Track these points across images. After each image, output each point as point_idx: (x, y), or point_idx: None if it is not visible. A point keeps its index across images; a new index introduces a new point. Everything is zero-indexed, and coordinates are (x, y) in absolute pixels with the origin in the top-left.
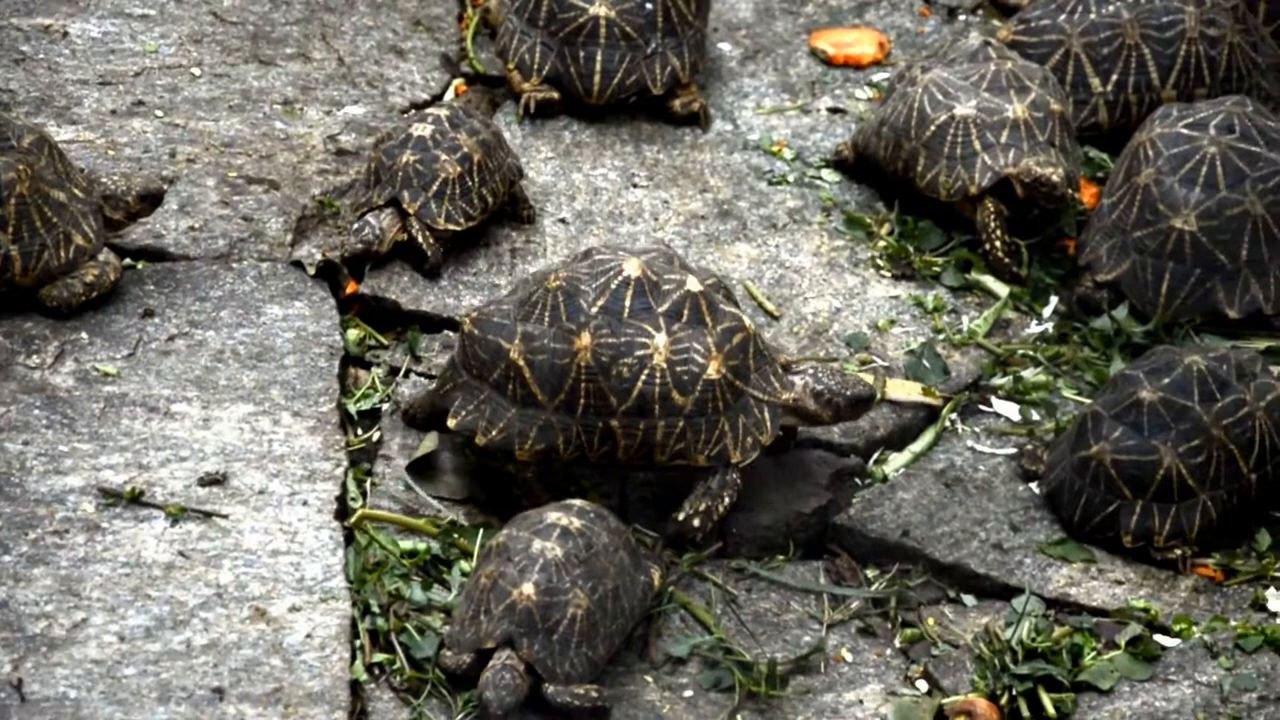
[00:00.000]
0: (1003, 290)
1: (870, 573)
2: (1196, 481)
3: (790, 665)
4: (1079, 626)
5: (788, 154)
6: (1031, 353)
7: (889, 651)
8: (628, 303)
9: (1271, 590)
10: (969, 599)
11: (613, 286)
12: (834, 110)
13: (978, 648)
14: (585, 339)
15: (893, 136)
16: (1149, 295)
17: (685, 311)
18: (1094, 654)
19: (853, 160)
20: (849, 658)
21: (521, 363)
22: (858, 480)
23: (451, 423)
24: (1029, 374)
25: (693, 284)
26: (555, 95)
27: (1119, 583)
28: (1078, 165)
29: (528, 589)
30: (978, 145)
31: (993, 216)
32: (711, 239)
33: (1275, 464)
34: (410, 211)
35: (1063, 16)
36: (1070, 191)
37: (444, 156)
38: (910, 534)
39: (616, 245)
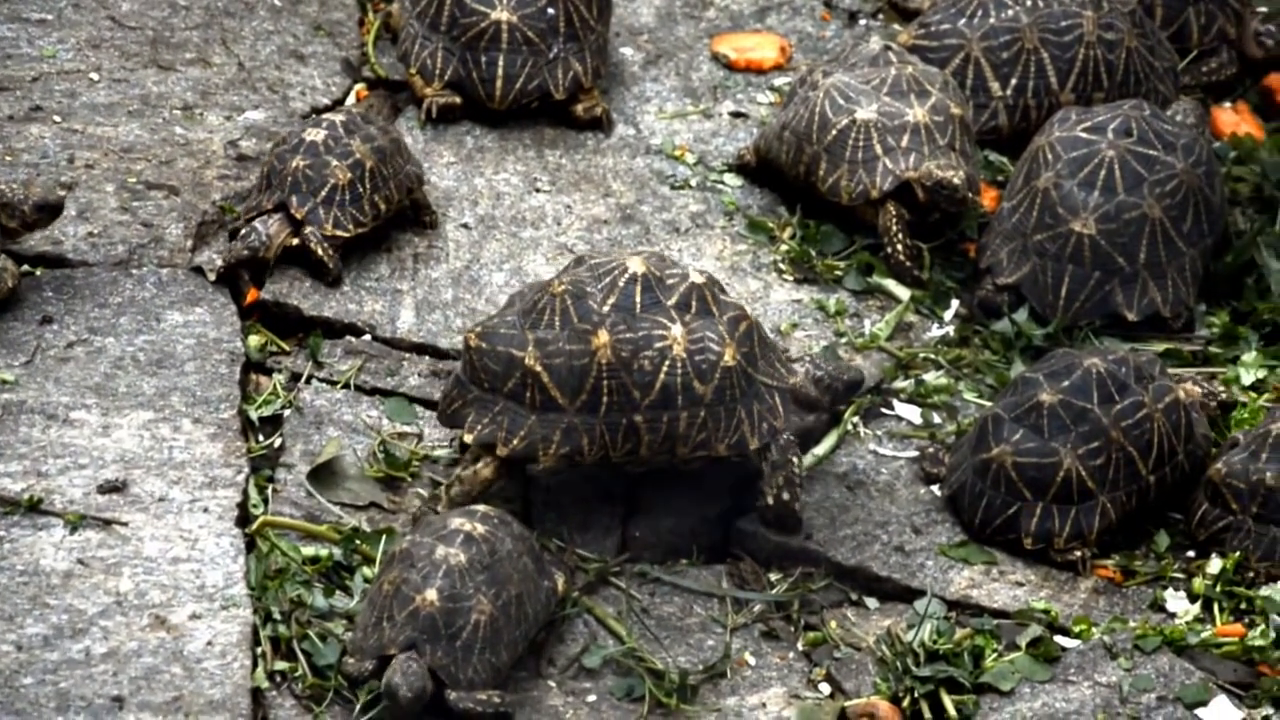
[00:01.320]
0: (904, 294)
1: (773, 576)
2: (1096, 483)
3: (702, 675)
4: (980, 628)
5: (690, 158)
6: (933, 356)
7: (792, 655)
8: (638, 298)
9: (1170, 591)
10: (871, 602)
11: (620, 284)
12: (736, 114)
13: (880, 650)
14: (603, 336)
15: (795, 141)
16: (1049, 298)
17: (693, 303)
18: (995, 655)
19: (755, 164)
20: (752, 661)
21: (539, 368)
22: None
23: (468, 437)
24: (930, 377)
25: (695, 276)
26: (457, 100)
27: (1020, 584)
28: (978, 169)
29: (431, 595)
30: (879, 149)
31: (894, 220)
32: (614, 243)
33: (1173, 466)
34: (298, 216)
35: (962, 21)
36: (971, 195)
37: (335, 162)
38: (813, 537)
39: (607, 250)
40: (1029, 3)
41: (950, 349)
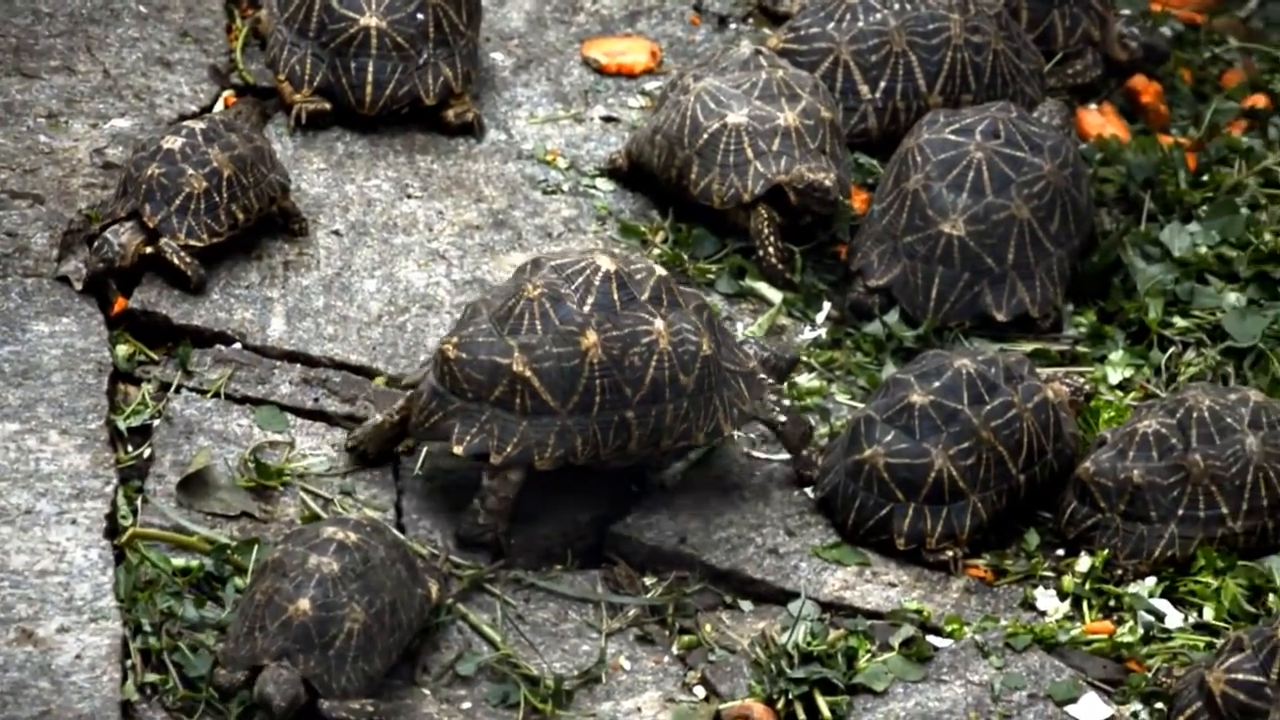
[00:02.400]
0: (776, 296)
1: (648, 580)
2: (967, 483)
3: (577, 681)
4: (854, 629)
5: (562, 163)
6: (805, 358)
7: (667, 659)
8: (615, 296)
9: (1040, 589)
10: (746, 604)
11: (596, 283)
12: (607, 119)
13: (754, 653)
14: (592, 336)
15: (666, 145)
16: (919, 300)
17: (664, 296)
18: (868, 656)
19: (627, 169)
20: (627, 666)
21: (529, 373)
22: (635, 488)
23: (458, 449)
24: (803, 380)
25: (659, 269)
26: (327, 106)
27: (892, 585)
28: (848, 172)
29: (304, 604)
30: (750, 153)
31: (766, 223)
32: (487, 249)
33: (1043, 465)
34: (150, 225)
35: (831, 25)
36: (842, 197)
37: (191, 171)
38: (687, 541)
39: (559, 252)
40: (896, 6)
41: (822, 351)
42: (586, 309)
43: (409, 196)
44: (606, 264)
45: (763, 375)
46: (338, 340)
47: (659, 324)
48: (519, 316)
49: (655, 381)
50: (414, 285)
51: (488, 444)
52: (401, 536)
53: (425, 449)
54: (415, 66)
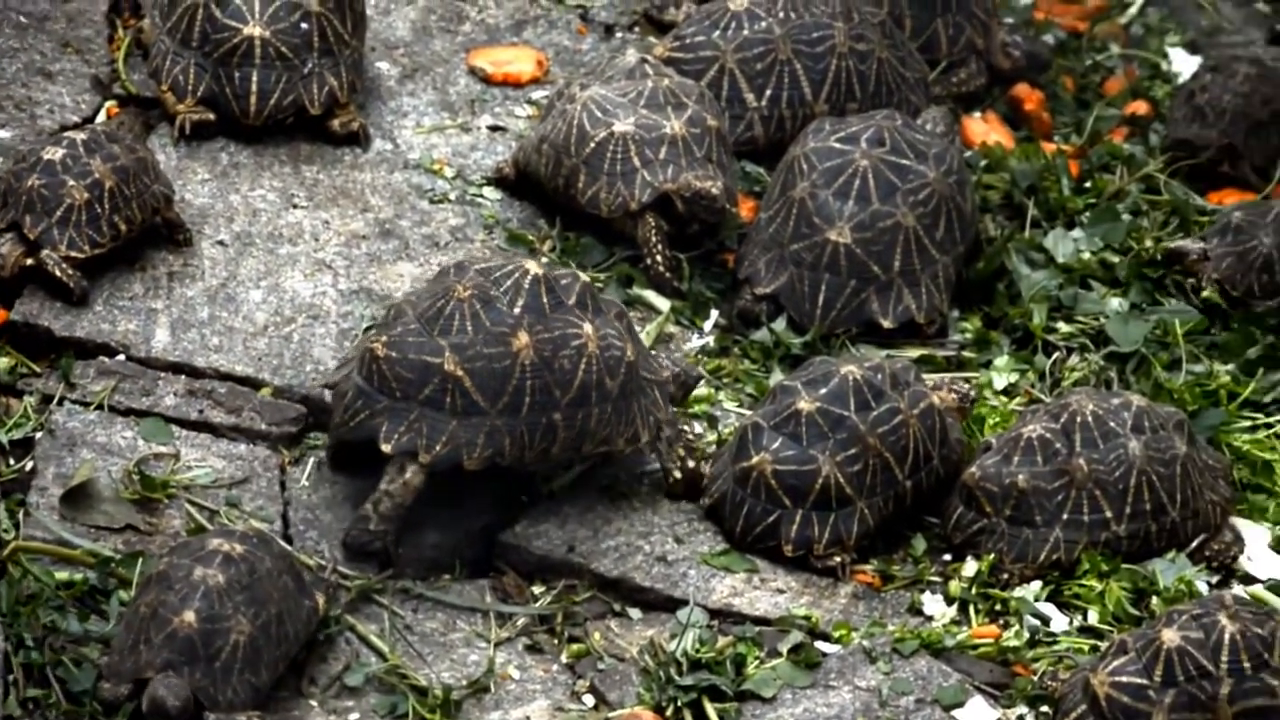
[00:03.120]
0: (664, 304)
1: (536, 589)
2: (854, 490)
3: (466, 691)
4: (742, 636)
5: (449, 172)
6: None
7: (555, 667)
8: (544, 300)
9: (927, 594)
10: (634, 612)
11: (525, 286)
12: (494, 128)
13: (643, 660)
14: (524, 338)
15: (553, 154)
16: (806, 307)
17: (589, 301)
18: (757, 663)
19: (514, 178)
20: (516, 675)
21: (460, 373)
22: (524, 497)
23: (386, 447)
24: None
25: (582, 275)
26: (211, 116)
27: (781, 591)
28: (735, 180)
29: (189, 616)
30: (637, 162)
31: (653, 232)
32: (374, 259)
33: (929, 471)
34: (31, 237)
35: (716, 33)
36: (729, 205)
37: (72, 182)
38: (576, 549)
39: (483, 256)
40: (781, 15)
41: (710, 359)
42: (517, 311)
43: (294, 206)
44: (534, 268)
45: (674, 388)
46: (223, 351)
47: (588, 328)
48: (449, 317)
49: (583, 385)
50: (300, 295)
51: (416, 442)
52: (289, 548)
53: (312, 460)
54: (300, 76)
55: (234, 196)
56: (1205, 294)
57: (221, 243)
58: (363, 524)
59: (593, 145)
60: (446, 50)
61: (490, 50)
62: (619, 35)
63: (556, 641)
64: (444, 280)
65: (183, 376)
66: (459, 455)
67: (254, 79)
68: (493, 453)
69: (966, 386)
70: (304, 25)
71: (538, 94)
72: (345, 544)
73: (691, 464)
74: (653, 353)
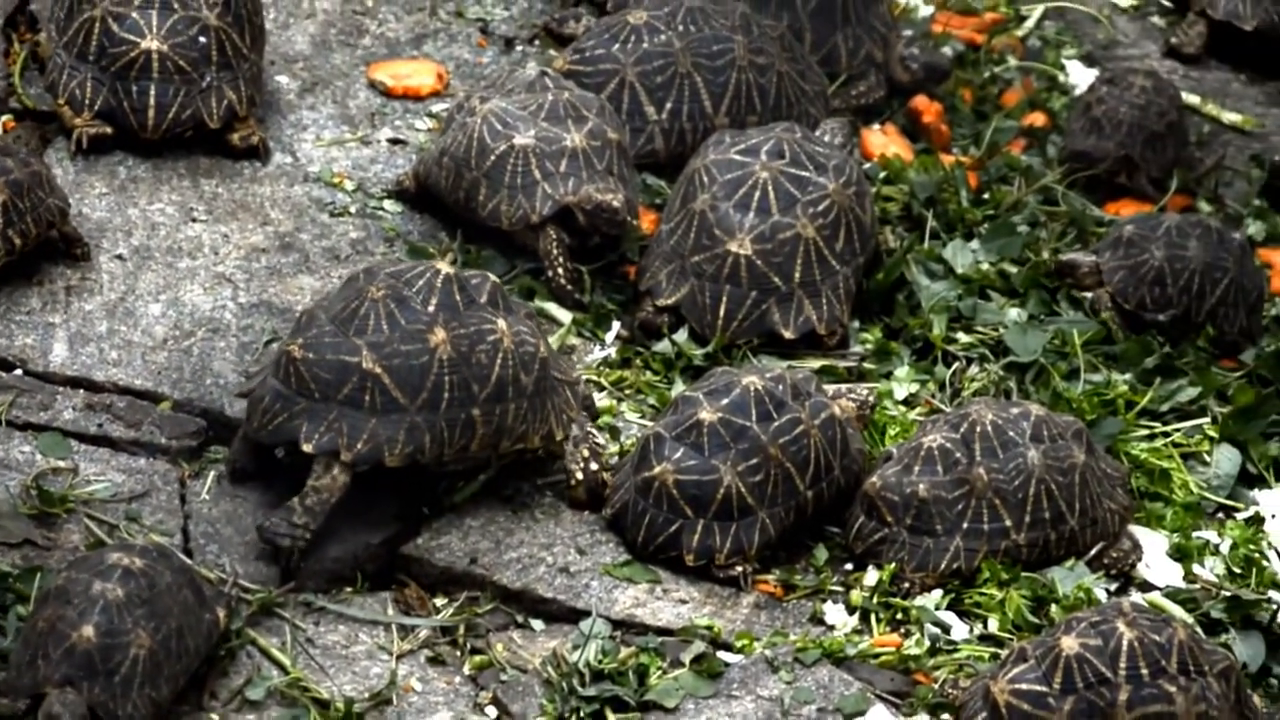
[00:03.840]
0: (566, 317)
1: (439, 601)
2: (755, 499)
3: (368, 703)
4: (645, 646)
5: (349, 185)
6: (595, 378)
7: (458, 679)
8: (457, 298)
9: (829, 604)
10: (537, 623)
11: (438, 285)
12: (394, 141)
13: (546, 672)
14: (440, 334)
15: (454, 167)
16: (708, 318)
17: (500, 300)
18: (660, 673)
19: (414, 191)
20: (418, 687)
21: (378, 370)
22: (425, 509)
23: (308, 447)
24: (593, 399)
25: (492, 276)
26: (108, 130)
27: (683, 602)
28: (636, 192)
29: (88, 631)
30: (538, 174)
31: (555, 244)
32: (274, 272)
33: (830, 480)
34: None
35: (616, 46)
36: (630, 218)
37: None
38: (478, 561)
39: (389, 263)
40: (681, 28)
41: (612, 370)
42: (431, 309)
43: (194, 220)
44: (445, 268)
45: (580, 386)
46: (122, 365)
47: (502, 324)
48: (364, 317)
49: (500, 380)
50: (199, 309)
51: (337, 441)
52: (189, 562)
53: (213, 473)
54: (198, 90)
55: (132, 210)
56: (1103, 316)
57: (120, 257)
58: (285, 515)
59: (493, 158)
60: (346, 64)
61: (390, 63)
62: (519, 48)
63: (459, 653)
64: (354, 284)
65: (81, 391)
66: (380, 453)
67: (152, 93)
68: (413, 449)
69: (865, 393)
70: (202, 39)
71: (438, 107)
72: (260, 532)
73: (595, 467)
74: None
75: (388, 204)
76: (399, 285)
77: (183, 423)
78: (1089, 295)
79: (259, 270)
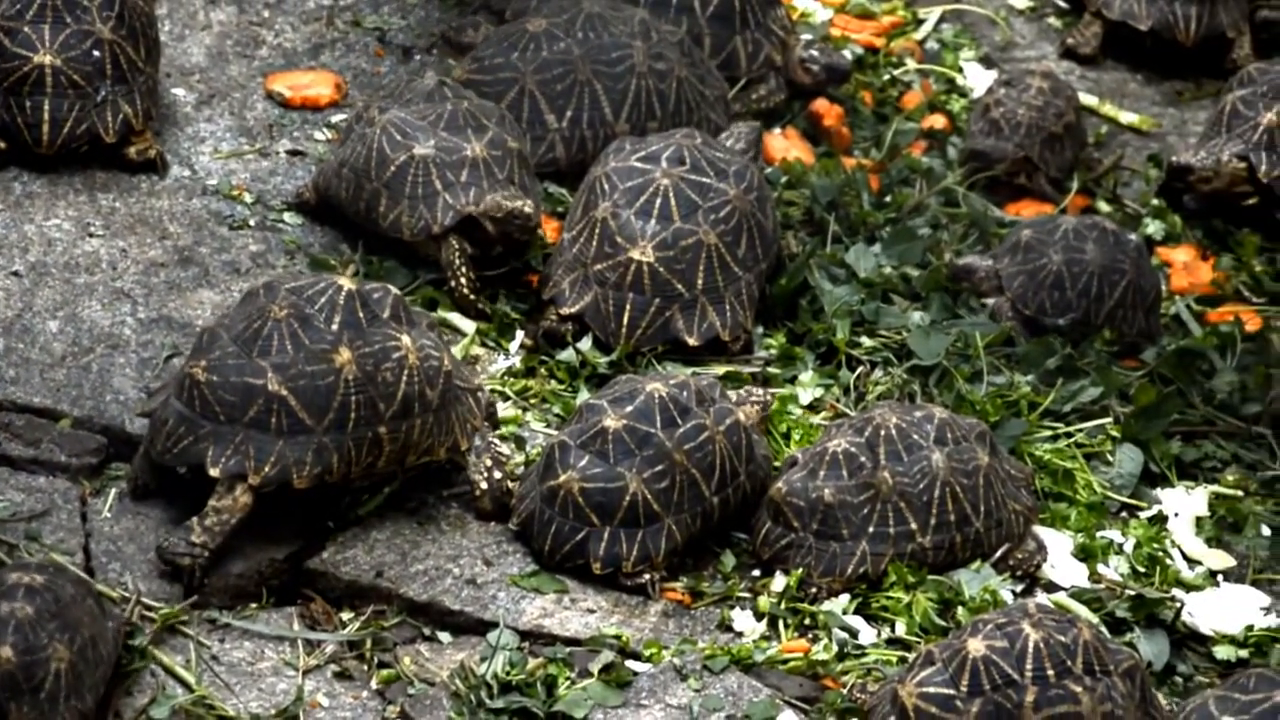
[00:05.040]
0: (469, 327)
1: (345, 615)
2: (661, 506)
3: None
4: (553, 657)
5: (248, 198)
6: (500, 388)
7: (365, 694)
8: (360, 314)
9: (737, 610)
10: (445, 636)
11: (340, 302)
12: (293, 153)
13: (454, 684)
14: (345, 353)
15: (354, 178)
16: (611, 326)
17: (402, 314)
18: (568, 684)
19: (314, 202)
20: (326, 703)
21: (284, 392)
22: (330, 523)
23: (214, 471)
24: (498, 409)
25: (393, 289)
26: (2, 145)
27: (591, 611)
28: (539, 201)
29: (6, 652)
30: (438, 184)
31: (457, 254)
32: (173, 286)
33: (736, 486)
34: None
35: (515, 54)
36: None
37: None
38: (384, 574)
39: (291, 276)
40: (580, 35)
41: (517, 380)
42: (335, 327)
43: (91, 235)
44: (347, 284)
45: (483, 394)
46: (20, 383)
47: (406, 340)
48: (268, 337)
49: (406, 396)
50: (98, 325)
51: (244, 464)
52: (83, 575)
53: (114, 491)
54: (93, 104)
55: (28, 226)
56: (1005, 326)
57: (16, 273)
58: (184, 534)
59: (393, 169)
60: (243, 75)
61: (288, 75)
62: (417, 58)
63: (366, 667)
64: (255, 301)
65: None
66: (288, 474)
67: (46, 108)
68: (321, 470)
69: (762, 393)
70: (96, 53)
71: (337, 117)
72: (159, 551)
73: (499, 476)
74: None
75: (288, 216)
76: (301, 303)
77: (83, 440)
78: (989, 301)
79: (158, 285)
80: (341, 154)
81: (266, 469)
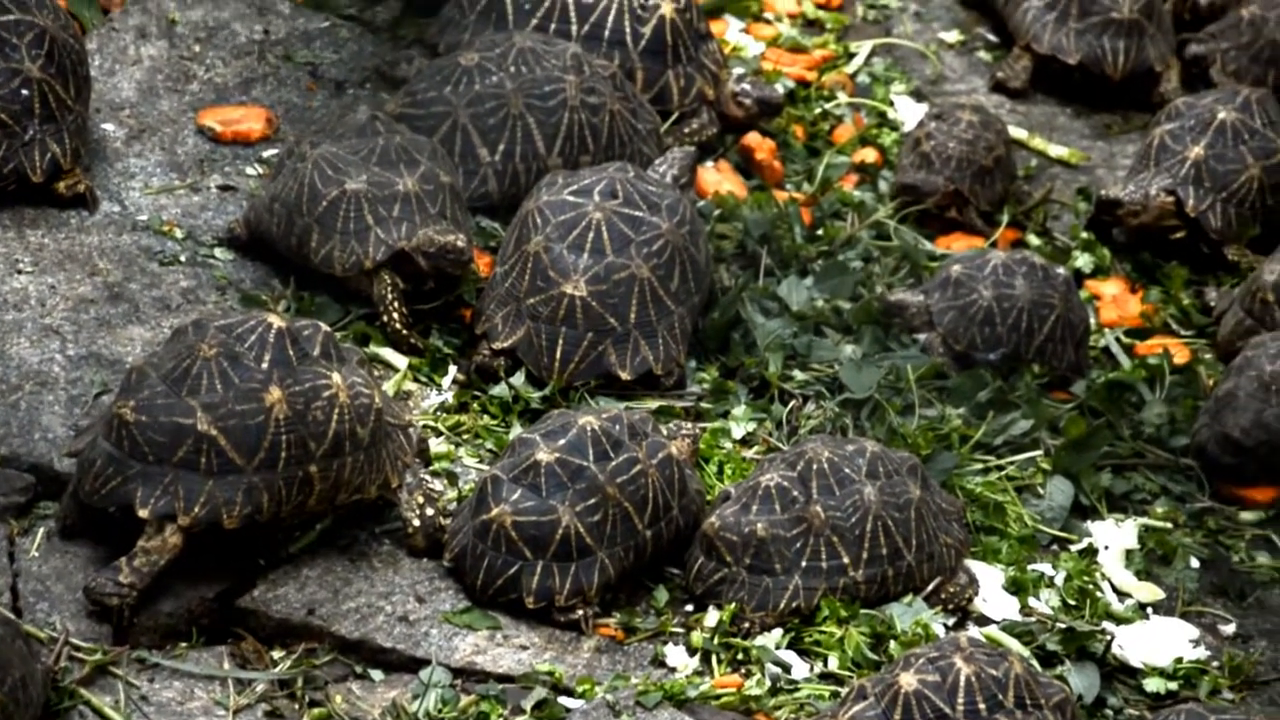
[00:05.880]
0: (401, 362)
1: (276, 654)
2: (594, 539)
3: None
4: (486, 694)
5: (179, 233)
6: (433, 423)
7: None
8: (290, 352)
9: (670, 646)
10: (376, 674)
11: (270, 340)
12: (224, 188)
13: None
14: (276, 392)
15: (285, 213)
16: (544, 361)
17: (333, 351)
18: None
19: (246, 238)
20: None
21: (214, 432)
22: (261, 560)
23: (144, 512)
24: (431, 444)
25: (323, 325)
26: None
27: (524, 647)
28: (471, 235)
29: None
30: (370, 220)
31: (389, 289)
32: (103, 323)
33: (669, 521)
34: None
35: (448, 88)
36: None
37: None
38: (316, 612)
39: (215, 314)
40: (513, 69)
41: (449, 415)
42: (265, 366)
43: (19, 272)
44: (276, 321)
45: (414, 430)
46: None
47: (336, 378)
48: (197, 376)
49: (337, 435)
50: (26, 362)
51: (174, 505)
52: (10, 615)
53: (42, 530)
54: (21, 144)
55: None
56: (936, 361)
57: None
58: (111, 574)
59: (325, 204)
60: (174, 110)
61: (219, 110)
62: (350, 92)
63: (297, 706)
64: (184, 340)
65: None
66: (218, 515)
67: None
68: (251, 510)
69: (691, 427)
70: (24, 91)
71: (268, 152)
72: (87, 591)
73: (431, 513)
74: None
75: (219, 251)
76: (231, 341)
77: (10, 479)
78: (920, 336)
79: (87, 321)
80: (273, 189)
81: (196, 510)
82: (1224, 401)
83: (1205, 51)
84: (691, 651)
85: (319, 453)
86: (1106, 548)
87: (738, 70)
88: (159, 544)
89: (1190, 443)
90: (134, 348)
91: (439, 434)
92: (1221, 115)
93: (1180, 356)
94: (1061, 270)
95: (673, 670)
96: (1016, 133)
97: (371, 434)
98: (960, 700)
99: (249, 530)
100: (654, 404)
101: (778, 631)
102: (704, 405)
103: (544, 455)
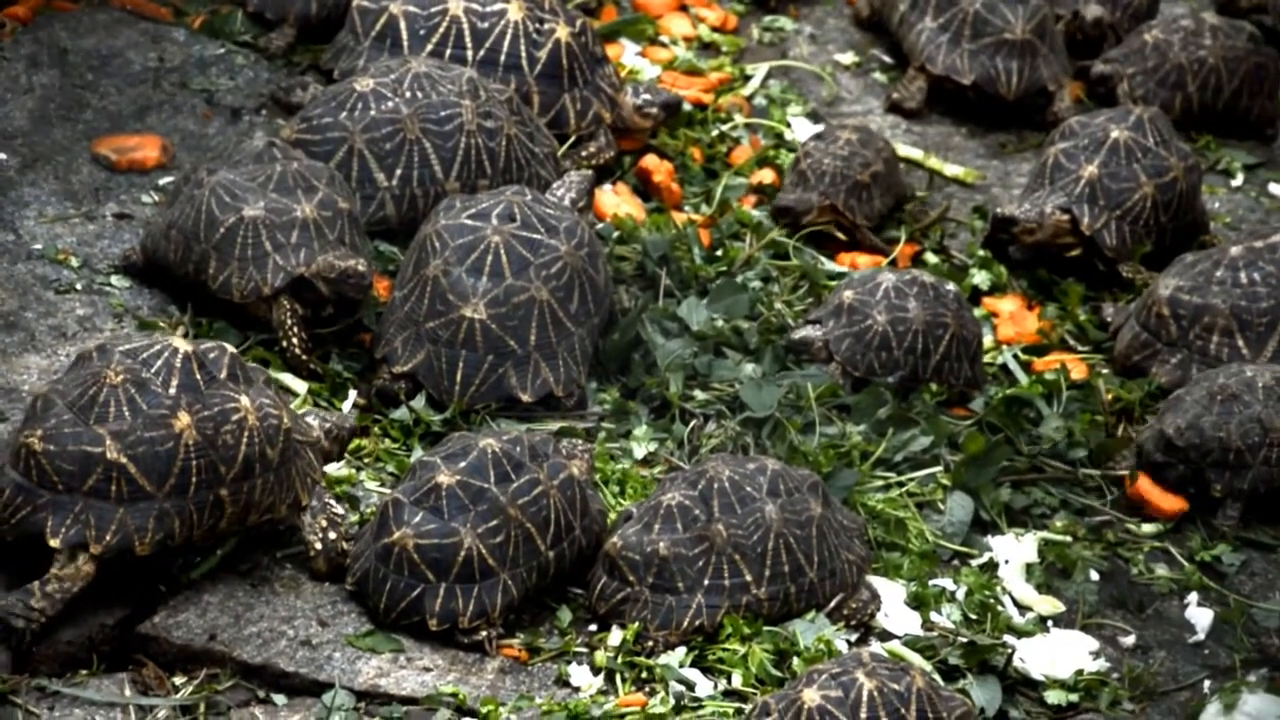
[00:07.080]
0: (301, 387)
1: (178, 680)
2: (497, 561)
3: None
4: (389, 717)
5: (74, 261)
6: None
7: None
8: (198, 377)
9: (574, 666)
10: (279, 698)
11: (177, 365)
12: (120, 216)
13: None
14: (184, 418)
15: (183, 240)
16: (445, 384)
17: (239, 373)
18: None
19: (142, 265)
20: None
21: (124, 460)
22: (162, 586)
23: (55, 542)
24: (331, 468)
25: (230, 347)
26: None
27: (427, 669)
28: (370, 260)
29: None
30: (269, 246)
31: (288, 315)
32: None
33: (571, 541)
34: None
35: (344, 114)
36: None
37: None
38: (217, 637)
39: (120, 337)
40: (408, 94)
41: (350, 439)
42: (173, 391)
43: None
44: (182, 346)
45: (327, 444)
46: None
47: (245, 401)
48: (104, 404)
49: (247, 458)
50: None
51: (85, 534)
52: None
53: None
54: None
55: None
56: (833, 383)
57: None
58: (24, 597)
59: (223, 230)
60: (68, 138)
61: (114, 138)
62: (246, 118)
63: None
64: (89, 366)
65: None
66: (130, 542)
67: None
68: (163, 535)
69: (583, 445)
70: None
71: (164, 180)
72: None
73: (334, 536)
74: (307, 410)
75: (115, 279)
76: (137, 366)
77: None
78: (826, 367)
79: None
80: (170, 216)
81: (108, 538)
82: (1172, 404)
83: (1111, 71)
84: (596, 671)
85: (230, 476)
86: (1007, 562)
87: (637, 81)
88: (72, 572)
89: (1134, 440)
90: (29, 377)
91: (340, 458)
92: (1115, 134)
93: (1078, 372)
94: (951, 286)
95: (577, 690)
96: (912, 152)
97: (281, 454)
98: (863, 715)
99: (156, 555)
100: (555, 425)
101: (681, 650)
102: (605, 425)
103: (445, 478)
